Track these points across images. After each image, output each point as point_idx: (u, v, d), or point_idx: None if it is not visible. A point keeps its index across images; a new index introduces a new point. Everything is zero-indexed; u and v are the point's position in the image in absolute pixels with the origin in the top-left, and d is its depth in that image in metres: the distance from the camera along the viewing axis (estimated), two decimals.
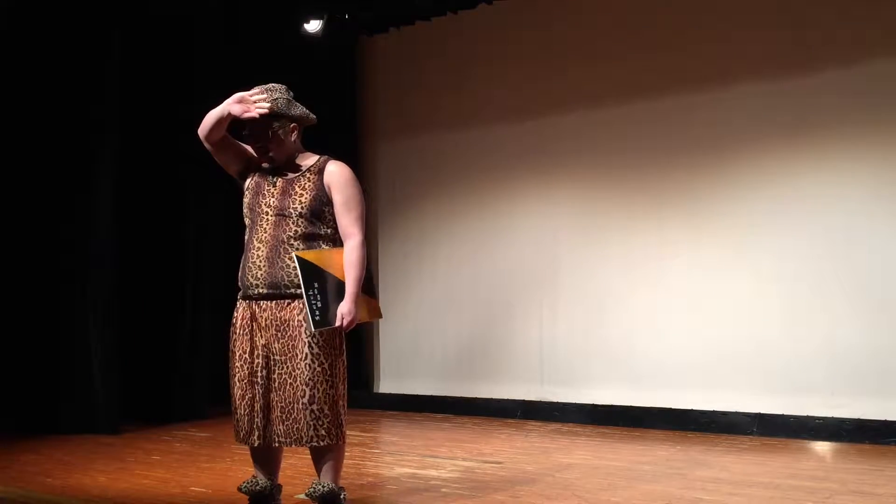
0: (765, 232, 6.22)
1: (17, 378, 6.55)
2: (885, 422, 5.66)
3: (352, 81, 8.18)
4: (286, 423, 3.66)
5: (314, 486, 3.76)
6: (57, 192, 6.54)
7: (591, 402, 6.80)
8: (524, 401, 7.12)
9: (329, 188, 3.77)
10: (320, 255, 3.73)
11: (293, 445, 3.71)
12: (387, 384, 7.96)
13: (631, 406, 6.61)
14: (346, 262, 3.72)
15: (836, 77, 6.01)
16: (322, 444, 3.69)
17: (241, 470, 5.07)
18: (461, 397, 7.41)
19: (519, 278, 7.28)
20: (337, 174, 3.79)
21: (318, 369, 3.65)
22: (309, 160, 3.86)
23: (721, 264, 6.38)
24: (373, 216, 8.06)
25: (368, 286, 3.85)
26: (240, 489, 3.85)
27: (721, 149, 6.42)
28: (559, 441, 6.05)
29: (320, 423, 3.65)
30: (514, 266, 7.32)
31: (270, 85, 3.86)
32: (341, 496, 3.79)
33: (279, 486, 3.94)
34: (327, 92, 7.97)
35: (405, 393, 7.71)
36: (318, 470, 3.81)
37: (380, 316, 4.05)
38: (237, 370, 3.76)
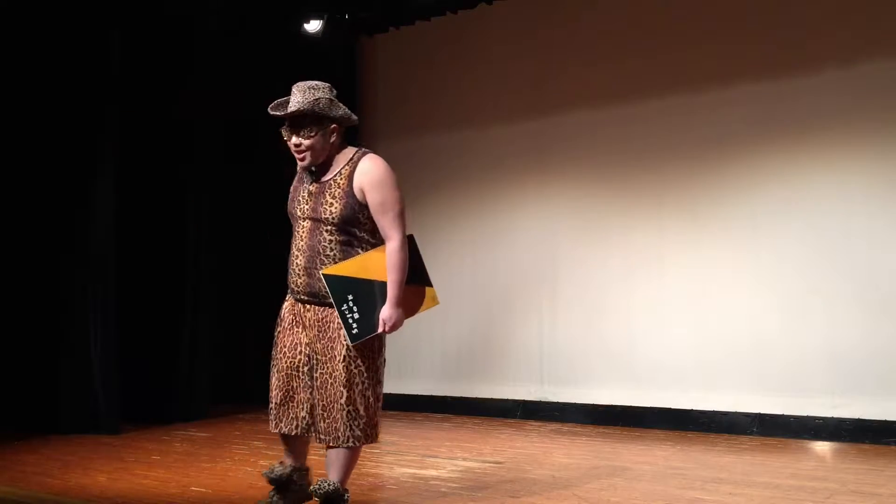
0: (765, 232, 6.22)
1: (17, 378, 6.55)
2: (885, 422, 5.67)
3: (352, 81, 8.18)
4: (326, 421, 3.72)
5: (320, 483, 3.76)
6: (57, 191, 6.53)
7: (591, 402, 6.80)
8: (524, 401, 7.12)
9: (362, 191, 3.69)
10: (354, 264, 3.68)
11: (332, 444, 3.75)
12: (387, 384, 7.88)
13: (631, 406, 6.61)
14: (388, 265, 3.69)
15: (836, 77, 6.01)
16: (358, 444, 3.75)
17: (241, 470, 5.08)
18: (461, 397, 7.41)
19: (519, 278, 7.28)
20: (369, 174, 3.68)
21: (355, 371, 3.71)
22: (344, 159, 3.75)
23: (721, 264, 6.38)
24: None
25: (420, 276, 3.83)
26: (264, 474, 3.93)
27: (721, 149, 6.42)
28: (559, 441, 6.05)
29: (356, 423, 3.71)
30: (514, 266, 7.32)
31: (314, 83, 3.71)
32: (345, 497, 3.79)
33: (306, 469, 3.98)
34: None
35: (405, 393, 7.71)
36: (329, 466, 3.82)
37: (436, 303, 4.00)
38: (278, 361, 3.83)
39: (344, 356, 3.68)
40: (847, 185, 5.95)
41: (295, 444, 3.91)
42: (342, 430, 3.69)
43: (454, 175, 7.66)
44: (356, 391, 3.70)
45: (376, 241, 3.76)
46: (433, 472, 4.95)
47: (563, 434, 6.34)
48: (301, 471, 3.95)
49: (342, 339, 3.68)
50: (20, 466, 5.27)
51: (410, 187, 7.88)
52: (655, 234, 6.65)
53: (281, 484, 3.87)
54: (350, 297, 3.64)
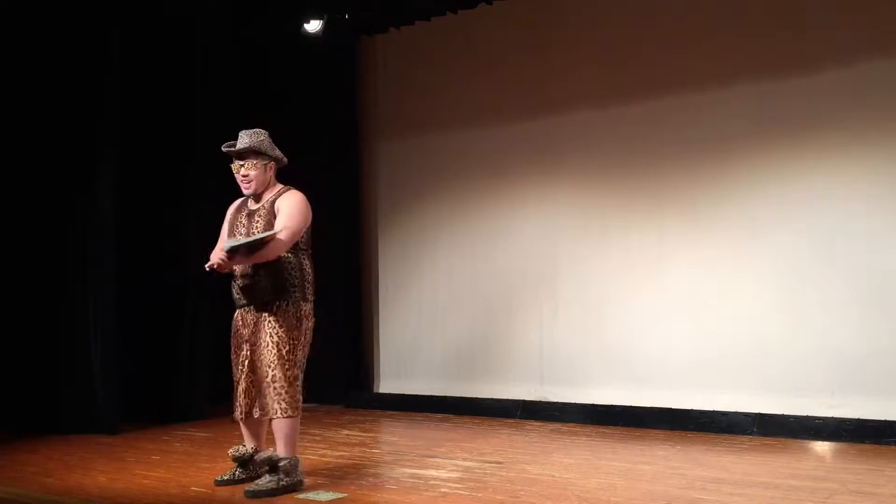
0: (765, 232, 6.22)
1: (17, 378, 6.55)
2: (885, 422, 5.66)
3: (352, 81, 8.18)
4: (261, 399, 4.59)
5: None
6: (57, 192, 6.54)
7: (591, 402, 6.80)
8: (524, 401, 7.12)
9: (277, 210, 4.57)
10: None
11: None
12: (387, 384, 7.96)
13: (631, 406, 6.61)
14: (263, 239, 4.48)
15: (835, 77, 6.01)
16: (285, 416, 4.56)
17: None
18: (461, 397, 7.41)
19: (519, 278, 7.28)
20: (288, 199, 4.60)
21: (275, 354, 4.52)
22: (273, 192, 4.66)
23: (721, 264, 6.38)
24: (373, 216, 8.07)
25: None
26: (229, 453, 4.73)
27: (721, 149, 6.41)
28: (559, 441, 6.05)
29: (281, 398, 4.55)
30: (514, 266, 7.32)
31: (256, 129, 4.66)
32: (283, 463, 4.50)
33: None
34: (327, 92, 7.99)
35: (405, 393, 7.71)
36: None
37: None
38: (233, 362, 4.70)
39: (266, 343, 4.50)
40: (847, 184, 5.95)
41: (252, 429, 4.73)
42: (271, 404, 4.50)
43: (454, 175, 7.66)
44: (278, 373, 4.48)
45: (296, 252, 4.61)
46: (433, 472, 4.95)
47: (563, 434, 6.34)
48: (259, 452, 4.68)
49: (266, 329, 4.51)
50: (20, 466, 5.27)
51: (410, 187, 7.92)
52: (655, 234, 6.65)
53: (243, 462, 4.67)
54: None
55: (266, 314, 4.53)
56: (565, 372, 7.00)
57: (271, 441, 4.64)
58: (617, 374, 6.74)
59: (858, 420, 5.76)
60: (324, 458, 5.36)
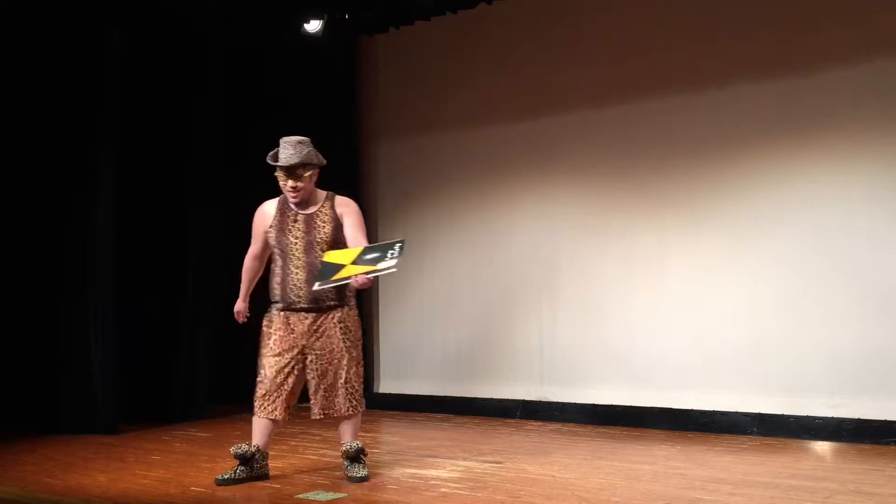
0: (765, 232, 6.22)
1: (17, 378, 6.55)
2: (885, 422, 5.66)
3: (352, 81, 8.18)
4: (328, 400, 4.76)
5: (348, 444, 4.85)
6: (57, 192, 6.54)
7: (591, 402, 6.80)
8: (524, 401, 7.12)
9: (341, 217, 4.76)
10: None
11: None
12: (387, 384, 7.96)
13: (631, 406, 6.61)
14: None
15: (836, 77, 6.01)
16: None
17: None
18: (461, 397, 7.41)
19: (519, 278, 7.28)
20: (348, 207, 4.80)
21: (350, 358, 4.72)
22: (320, 196, 4.81)
23: (721, 264, 6.38)
24: (372, 216, 8.06)
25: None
26: (231, 450, 4.77)
27: (721, 149, 6.41)
28: (559, 441, 6.05)
29: (353, 398, 4.81)
30: (514, 266, 7.32)
31: (301, 138, 4.71)
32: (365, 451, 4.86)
33: (267, 454, 4.84)
34: (327, 92, 7.99)
35: (405, 393, 7.71)
36: (344, 433, 4.90)
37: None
38: (276, 361, 4.70)
39: (340, 347, 4.67)
40: (847, 184, 5.95)
41: (272, 429, 4.79)
42: (342, 403, 4.70)
43: (454, 175, 7.66)
44: (352, 373, 4.72)
45: None
46: (433, 472, 4.95)
47: (563, 434, 6.34)
48: (263, 453, 4.78)
49: (338, 334, 4.68)
50: (20, 466, 5.27)
51: (410, 187, 7.92)
52: (655, 234, 6.65)
53: (245, 459, 4.71)
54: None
55: (333, 320, 4.68)
56: (565, 372, 7.00)
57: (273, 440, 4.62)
58: (617, 374, 6.75)
59: (858, 420, 5.76)
60: (324, 459, 5.36)
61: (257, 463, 4.75)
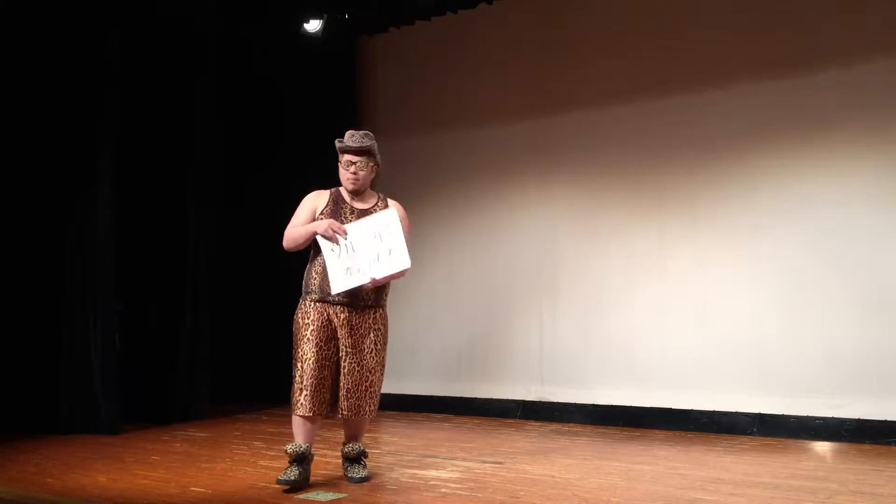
0: (765, 232, 6.22)
1: (17, 379, 6.54)
2: (885, 422, 5.67)
3: (352, 81, 8.18)
4: (350, 401, 4.65)
5: (350, 446, 4.83)
6: (57, 192, 6.53)
7: (591, 402, 6.81)
8: (524, 401, 7.12)
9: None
10: None
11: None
12: (387, 384, 7.87)
13: (631, 406, 6.61)
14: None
15: (836, 77, 6.01)
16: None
17: (241, 470, 5.08)
18: (461, 397, 7.42)
19: (519, 278, 7.28)
20: (398, 209, 4.76)
21: (378, 361, 4.70)
22: (375, 196, 4.87)
23: (721, 264, 6.38)
24: None
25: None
26: (286, 449, 4.58)
27: (721, 149, 6.42)
28: (559, 441, 6.05)
29: (373, 401, 4.81)
30: (514, 266, 7.32)
31: (364, 132, 4.82)
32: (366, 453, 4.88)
33: (312, 455, 4.67)
34: (327, 92, 7.99)
35: (405, 393, 7.71)
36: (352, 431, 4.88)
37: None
38: (314, 354, 4.53)
39: (371, 350, 4.63)
40: (847, 184, 5.96)
41: (316, 427, 4.67)
42: (364, 406, 4.67)
43: (454, 175, 7.66)
44: (376, 377, 4.70)
45: None
46: (433, 472, 4.95)
47: (563, 434, 6.34)
48: (311, 455, 4.61)
49: (371, 336, 4.62)
50: (20, 466, 5.26)
51: (411, 187, 7.90)
52: (655, 234, 6.66)
53: (301, 458, 4.53)
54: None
55: (371, 320, 4.62)
56: (565, 372, 7.01)
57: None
58: (617, 374, 6.75)
59: (858, 420, 5.76)
60: (324, 459, 5.36)
61: (308, 462, 4.58)
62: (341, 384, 4.60)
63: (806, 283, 6.05)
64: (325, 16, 7.56)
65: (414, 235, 4.87)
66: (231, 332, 7.83)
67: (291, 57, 7.94)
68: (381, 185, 8.03)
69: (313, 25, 7.58)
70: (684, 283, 6.52)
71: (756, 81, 6.28)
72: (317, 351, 4.53)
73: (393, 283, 4.74)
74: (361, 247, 4.51)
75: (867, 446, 5.61)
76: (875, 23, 5.88)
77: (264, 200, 7.63)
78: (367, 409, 4.68)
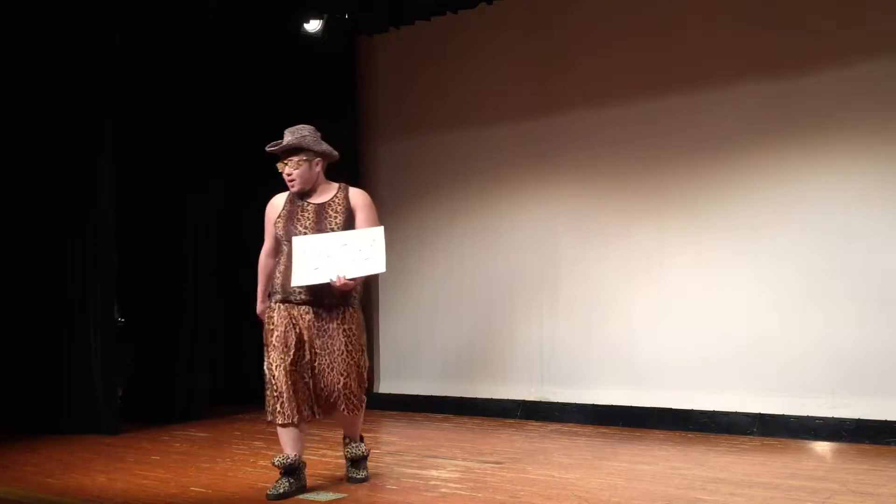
0: (765, 232, 6.22)
1: (17, 378, 6.55)
2: (885, 422, 5.66)
3: (352, 81, 8.18)
4: (329, 401, 4.54)
5: (351, 446, 4.76)
6: (57, 191, 6.54)
7: (591, 402, 6.80)
8: (524, 401, 7.12)
9: (355, 208, 4.57)
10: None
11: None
12: (387, 384, 7.96)
13: (631, 406, 6.61)
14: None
15: (835, 77, 6.01)
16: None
17: (241, 470, 5.09)
18: (461, 397, 7.41)
19: (519, 278, 7.28)
20: (362, 199, 4.63)
21: (351, 361, 4.48)
22: (333, 188, 4.63)
23: (721, 264, 6.38)
24: None
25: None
26: (273, 462, 4.48)
27: (721, 149, 6.41)
28: (559, 441, 6.05)
29: (353, 397, 4.58)
30: (514, 266, 7.31)
31: (300, 125, 4.61)
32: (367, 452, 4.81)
33: (304, 464, 4.57)
34: (327, 92, 7.99)
35: (405, 393, 7.71)
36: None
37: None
38: (282, 360, 4.39)
39: (342, 352, 4.45)
40: (847, 184, 5.95)
41: (300, 434, 4.49)
42: (340, 406, 4.49)
43: (454, 175, 7.66)
44: (352, 378, 4.48)
45: None
46: (433, 472, 4.95)
47: (563, 434, 6.34)
48: (302, 463, 4.50)
49: (341, 338, 4.45)
50: (20, 466, 5.27)
51: (411, 187, 7.92)
52: (655, 234, 6.65)
53: (291, 470, 4.42)
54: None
55: (340, 320, 4.45)
56: (565, 372, 7.00)
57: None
58: (617, 374, 6.74)
59: (858, 420, 5.76)
60: (324, 459, 5.36)
61: (300, 472, 4.48)
62: (312, 386, 4.44)
63: (806, 283, 6.05)
64: (325, 16, 7.55)
65: (408, 233, 4.80)
66: (231, 332, 7.82)
67: (291, 57, 7.94)
68: (381, 185, 8.08)
69: (313, 25, 7.58)
70: (684, 283, 6.52)
71: (756, 81, 6.28)
72: (283, 357, 4.38)
73: (393, 282, 4.76)
74: (339, 256, 4.36)
75: (867, 446, 5.61)
76: (875, 23, 5.87)
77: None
78: (345, 408, 4.47)
